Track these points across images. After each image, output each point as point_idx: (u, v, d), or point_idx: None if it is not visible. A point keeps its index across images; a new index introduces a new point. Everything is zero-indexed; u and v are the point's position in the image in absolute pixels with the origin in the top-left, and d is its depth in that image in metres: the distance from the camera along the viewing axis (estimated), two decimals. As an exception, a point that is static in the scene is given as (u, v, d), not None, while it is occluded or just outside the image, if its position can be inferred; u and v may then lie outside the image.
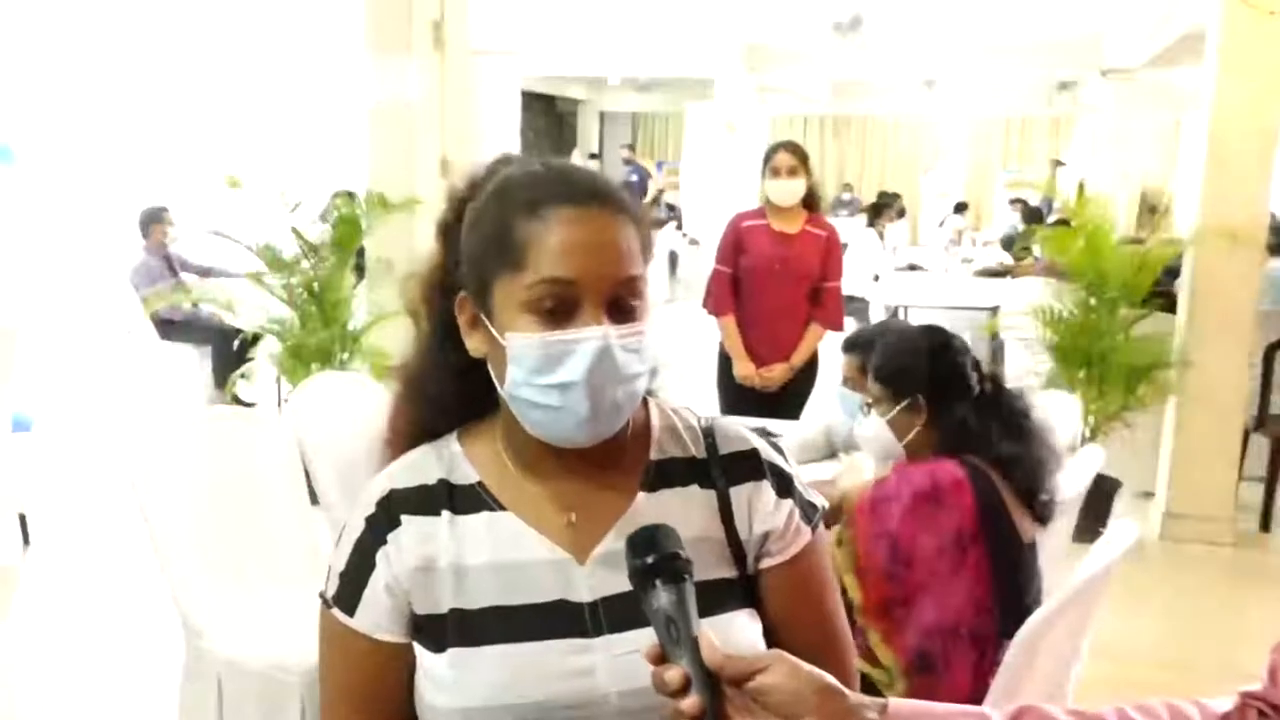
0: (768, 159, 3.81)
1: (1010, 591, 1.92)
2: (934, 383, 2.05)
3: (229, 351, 5.83)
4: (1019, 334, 4.76)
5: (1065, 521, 2.50)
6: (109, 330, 6.65)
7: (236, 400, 5.23)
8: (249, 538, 2.52)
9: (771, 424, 3.19)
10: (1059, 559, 2.49)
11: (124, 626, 3.55)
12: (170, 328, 6.20)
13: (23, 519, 4.17)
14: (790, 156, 3.75)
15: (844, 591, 1.92)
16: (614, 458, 1.07)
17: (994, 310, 6.04)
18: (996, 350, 6.06)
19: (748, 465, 1.10)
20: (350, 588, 1.04)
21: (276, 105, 8.37)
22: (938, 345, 2.09)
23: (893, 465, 2.18)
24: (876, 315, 8.23)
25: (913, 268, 8.83)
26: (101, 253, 7.20)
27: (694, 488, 1.08)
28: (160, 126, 8.08)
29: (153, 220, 6.37)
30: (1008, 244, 9.63)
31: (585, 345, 0.97)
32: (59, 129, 7.55)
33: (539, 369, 0.98)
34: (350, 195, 4.89)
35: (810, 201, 3.84)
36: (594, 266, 0.97)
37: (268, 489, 2.60)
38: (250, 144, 7.74)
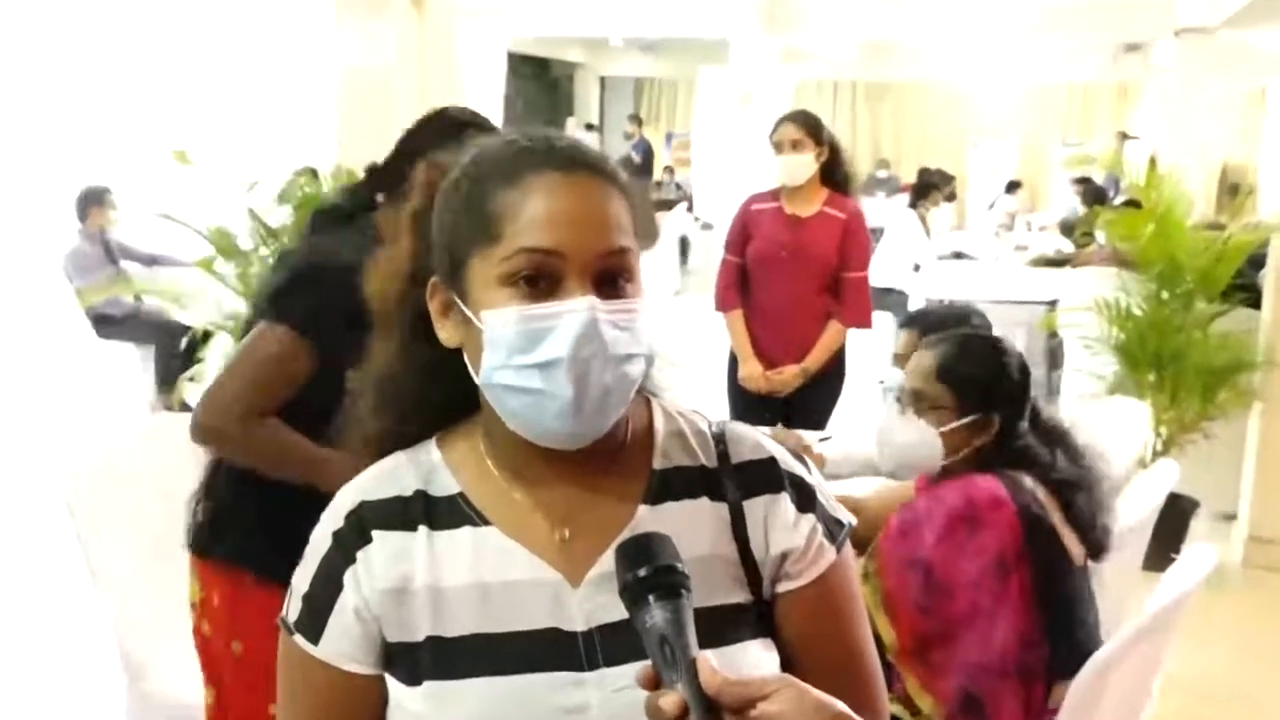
0: (771, 132, 3.78)
1: (1061, 621, 1.92)
2: (1009, 400, 2.04)
3: (176, 351, 5.83)
4: (1080, 332, 4.76)
5: (1135, 547, 2.51)
6: (38, 327, 6.66)
7: (185, 407, 5.25)
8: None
9: (802, 435, 3.19)
10: (1128, 588, 2.49)
11: (56, 666, 3.55)
12: (109, 324, 6.22)
13: (-59, 542, 4.18)
14: (794, 128, 3.72)
15: (875, 632, 1.92)
16: (612, 464, 1.07)
17: (1051, 305, 6.03)
18: (1054, 350, 6.06)
19: (764, 475, 1.10)
20: (315, 612, 1.06)
21: (231, 70, 8.37)
22: (1006, 353, 2.08)
23: (915, 483, 2.17)
24: (917, 310, 8.21)
25: (958, 256, 8.81)
26: (29, 237, 7.21)
27: (703, 500, 1.09)
28: (98, 93, 8.08)
29: (92, 202, 6.39)
30: (1067, 229, 9.62)
31: (569, 318, 0.98)
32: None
33: (517, 348, 0.99)
34: (315, 173, 4.91)
35: (834, 179, 3.81)
36: (578, 237, 0.99)
37: (221, 508, 2.60)
38: (201, 114, 7.75)
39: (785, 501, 1.09)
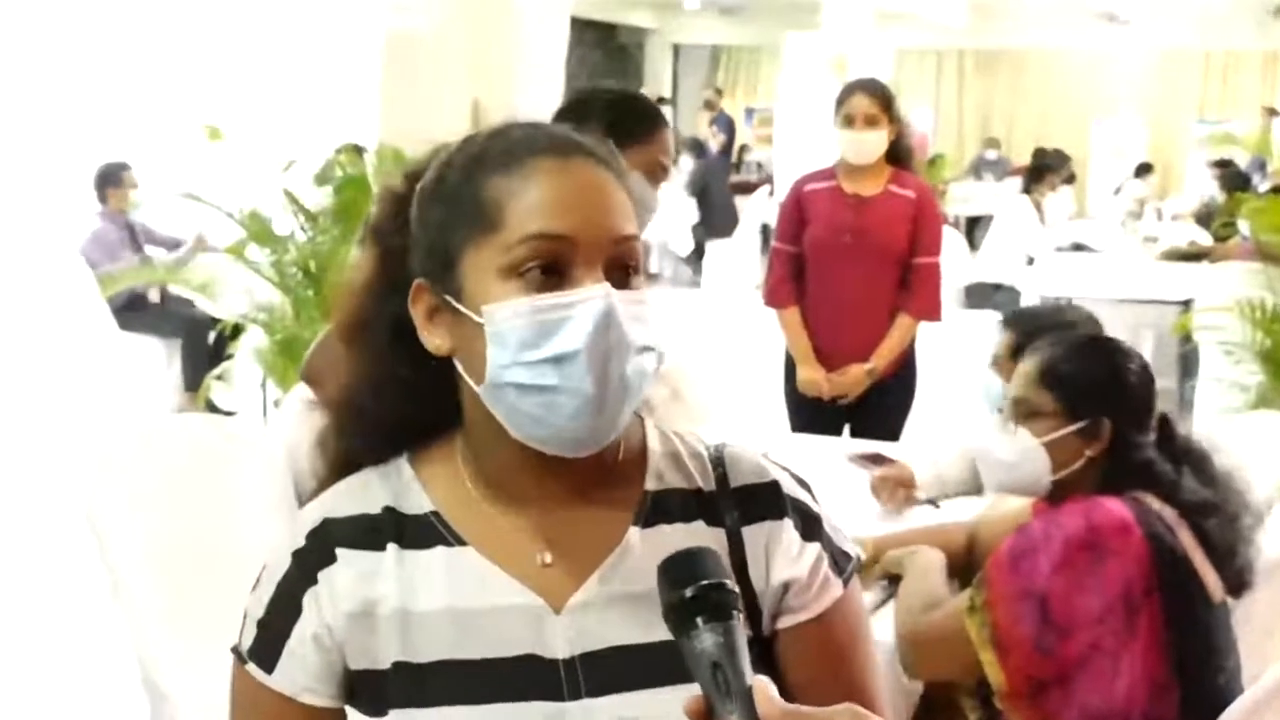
0: (840, 103, 3.75)
1: (1195, 664, 1.91)
2: (1126, 405, 2.03)
3: (204, 346, 5.96)
4: (1219, 336, 4.69)
5: (1278, 585, 2.46)
6: (53, 318, 6.81)
7: (212, 407, 5.35)
8: (229, 577, 2.56)
9: (884, 447, 3.17)
10: (1270, 632, 2.44)
11: (74, 689, 3.63)
12: (131, 315, 6.34)
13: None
14: (869, 101, 3.67)
15: (980, 672, 1.91)
16: (601, 484, 1.11)
17: (1186, 305, 5.95)
18: (1188, 357, 5.96)
19: (765, 500, 1.14)
20: (270, 638, 1.08)
21: (266, 38, 8.52)
22: (1125, 354, 2.08)
23: (1031, 506, 2.15)
24: (1030, 310, 8.13)
25: (1078, 248, 8.73)
26: (44, 218, 7.38)
27: (698, 524, 1.12)
28: (121, 63, 8.26)
29: (110, 181, 6.51)
30: (1205, 218, 9.48)
31: (585, 307, 1.01)
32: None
33: (529, 342, 1.02)
34: (358, 150, 4.98)
35: (898, 154, 3.77)
36: (588, 220, 1.03)
37: (251, 517, 2.65)
38: (234, 86, 7.89)
39: (788, 529, 1.12)
